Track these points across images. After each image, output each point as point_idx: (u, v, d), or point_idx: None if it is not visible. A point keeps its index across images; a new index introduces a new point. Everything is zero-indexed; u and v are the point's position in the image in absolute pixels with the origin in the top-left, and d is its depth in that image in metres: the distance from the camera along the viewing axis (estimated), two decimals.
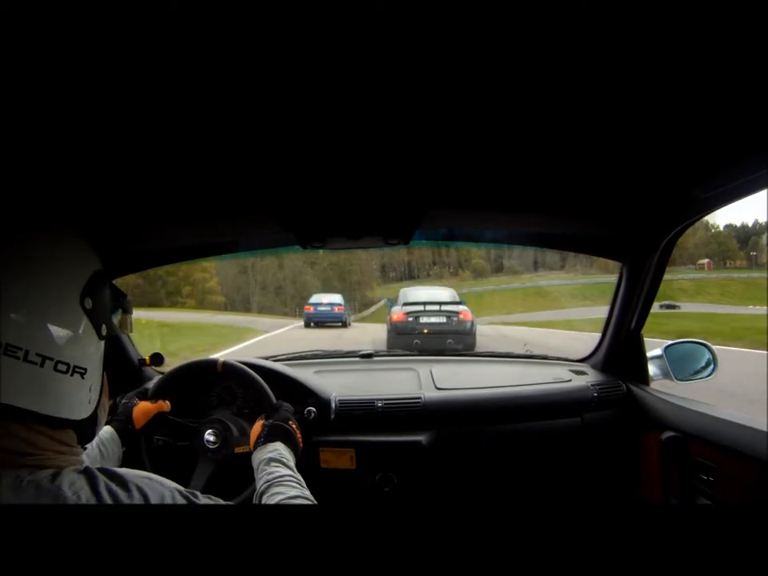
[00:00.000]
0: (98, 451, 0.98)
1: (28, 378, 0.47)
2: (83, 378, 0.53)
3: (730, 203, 0.91)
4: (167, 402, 1.18)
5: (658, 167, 0.81)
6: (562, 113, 0.61)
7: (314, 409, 1.29)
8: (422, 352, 1.86)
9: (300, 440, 1.03)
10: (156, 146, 0.69)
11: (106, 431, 1.05)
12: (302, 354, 1.72)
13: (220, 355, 1.25)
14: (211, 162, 0.75)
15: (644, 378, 1.34)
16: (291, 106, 0.58)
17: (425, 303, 6.68)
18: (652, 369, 1.35)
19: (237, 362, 1.22)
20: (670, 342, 1.36)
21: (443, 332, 6.32)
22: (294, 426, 1.03)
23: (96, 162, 0.72)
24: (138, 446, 1.14)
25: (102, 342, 0.57)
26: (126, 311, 0.66)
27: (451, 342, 6.18)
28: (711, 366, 1.31)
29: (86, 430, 0.56)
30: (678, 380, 1.32)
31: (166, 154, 0.72)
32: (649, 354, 1.35)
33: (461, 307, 6.69)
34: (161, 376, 1.25)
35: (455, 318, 6.51)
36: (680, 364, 1.33)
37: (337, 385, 1.40)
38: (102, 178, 0.78)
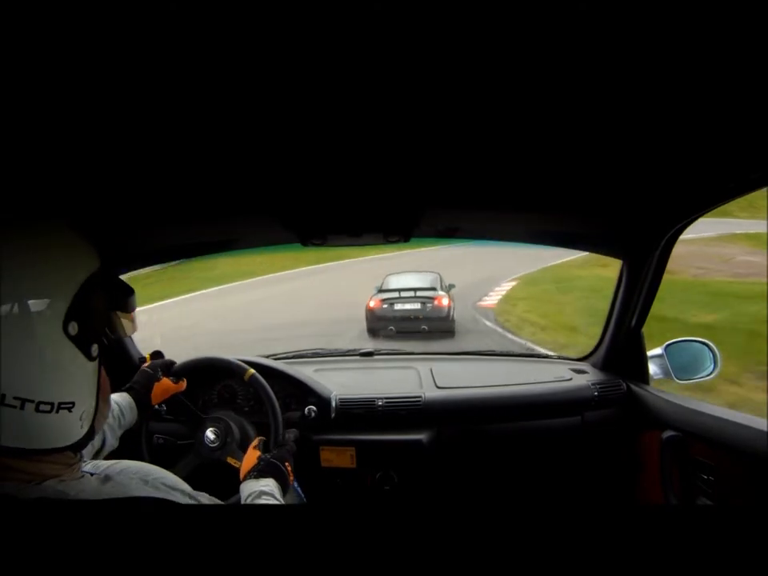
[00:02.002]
0: (118, 422, 0.97)
1: (9, 421, 0.45)
2: (71, 411, 0.49)
3: (731, 201, 0.91)
4: (185, 381, 1.17)
5: (658, 166, 0.81)
6: (561, 111, 0.61)
7: (314, 407, 1.29)
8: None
9: (291, 482, 1.00)
10: (158, 147, 0.69)
11: (124, 398, 1.03)
12: (303, 352, 1.72)
13: None
14: (212, 161, 0.75)
15: (644, 377, 1.34)
16: (291, 105, 0.57)
17: (399, 290, 6.79)
18: (652, 368, 1.34)
19: (254, 365, 1.23)
20: (671, 341, 1.36)
21: (417, 317, 6.51)
22: (289, 469, 1.01)
23: (101, 163, 0.72)
24: (138, 444, 1.15)
25: (95, 361, 0.52)
26: (128, 310, 0.60)
27: (425, 327, 6.31)
28: (712, 365, 1.31)
29: (82, 446, 0.53)
30: (678, 379, 1.32)
31: (169, 155, 0.72)
32: (649, 352, 1.35)
33: (436, 293, 6.77)
34: (193, 358, 1.23)
35: (429, 305, 6.59)
36: (680, 363, 1.32)
37: (337, 383, 1.40)
38: (107, 179, 0.78)
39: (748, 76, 0.52)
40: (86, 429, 0.52)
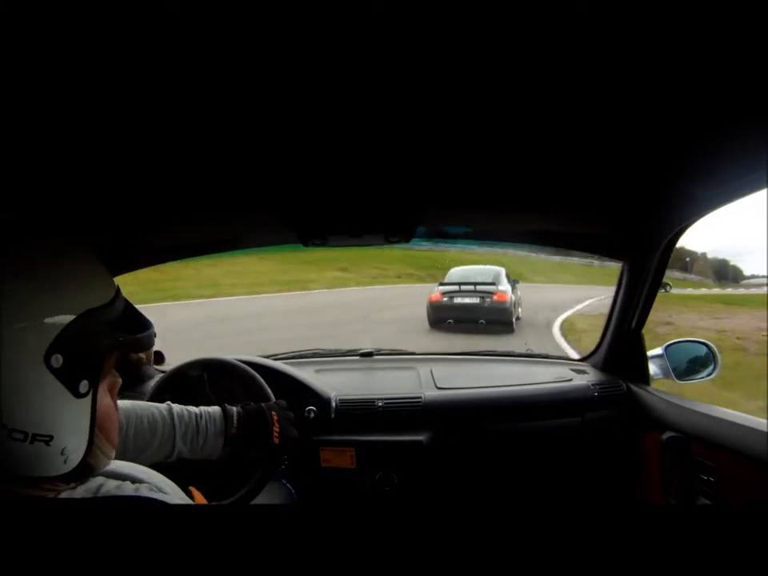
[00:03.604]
0: (191, 442, 0.89)
1: None
2: (48, 444, 0.45)
3: (730, 203, 0.91)
4: None
5: (658, 167, 0.81)
6: (562, 112, 0.61)
7: (314, 408, 1.29)
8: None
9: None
10: (160, 147, 0.69)
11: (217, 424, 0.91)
12: (303, 352, 1.72)
13: None
14: (213, 160, 0.75)
15: (645, 378, 1.34)
16: (292, 104, 0.57)
17: (460, 284, 6.84)
18: (652, 368, 1.34)
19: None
20: (671, 341, 1.36)
21: (476, 312, 6.49)
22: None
23: (102, 162, 0.72)
24: None
25: (87, 398, 0.48)
26: (142, 349, 0.55)
27: (482, 322, 6.23)
28: (712, 365, 1.31)
29: (73, 478, 0.49)
30: (678, 380, 1.32)
31: (170, 154, 0.72)
32: (649, 353, 1.35)
33: (496, 288, 6.77)
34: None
35: (488, 299, 6.61)
36: (681, 363, 1.32)
37: (337, 384, 1.40)
38: (108, 179, 0.78)
39: (748, 77, 0.52)
40: (72, 464, 0.48)
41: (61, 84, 0.50)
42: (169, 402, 0.93)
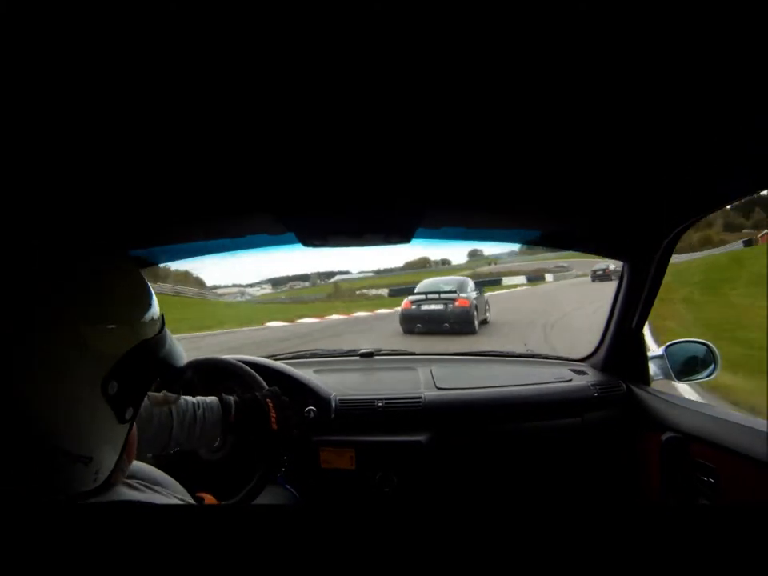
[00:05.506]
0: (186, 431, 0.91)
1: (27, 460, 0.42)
2: (87, 465, 0.45)
3: (730, 203, 0.91)
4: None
5: (658, 167, 0.81)
6: (561, 112, 0.61)
7: (314, 408, 1.29)
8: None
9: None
10: (157, 147, 0.69)
11: (214, 411, 0.95)
12: (302, 353, 1.72)
13: None
14: (213, 161, 0.75)
15: (645, 378, 1.34)
16: (291, 105, 0.57)
17: (426, 293, 8.01)
18: (653, 368, 1.34)
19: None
20: (672, 341, 1.35)
21: (441, 317, 7.61)
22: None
23: (100, 164, 0.72)
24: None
25: (127, 424, 0.49)
26: (178, 378, 0.58)
27: (446, 325, 7.39)
28: (712, 366, 1.31)
29: (92, 495, 0.49)
30: (678, 380, 1.31)
31: (168, 155, 0.72)
32: (649, 353, 1.35)
33: (457, 295, 7.88)
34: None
35: (451, 305, 7.71)
36: (681, 364, 1.32)
37: (337, 384, 1.40)
38: (107, 181, 0.78)
39: (749, 78, 0.52)
40: (99, 483, 0.48)
41: (61, 86, 0.50)
42: (165, 392, 0.93)
